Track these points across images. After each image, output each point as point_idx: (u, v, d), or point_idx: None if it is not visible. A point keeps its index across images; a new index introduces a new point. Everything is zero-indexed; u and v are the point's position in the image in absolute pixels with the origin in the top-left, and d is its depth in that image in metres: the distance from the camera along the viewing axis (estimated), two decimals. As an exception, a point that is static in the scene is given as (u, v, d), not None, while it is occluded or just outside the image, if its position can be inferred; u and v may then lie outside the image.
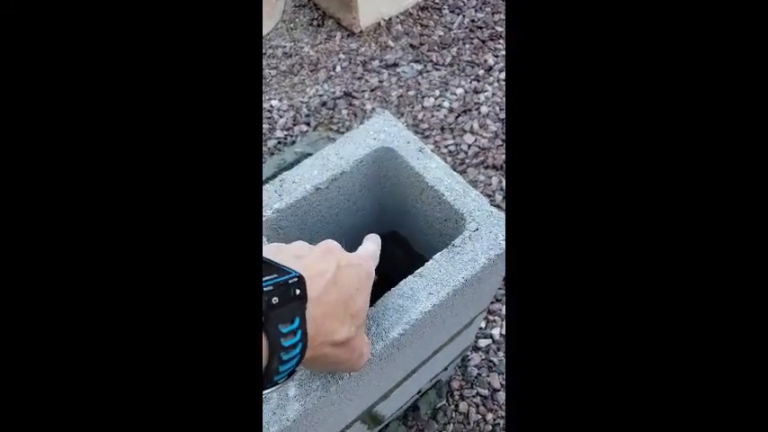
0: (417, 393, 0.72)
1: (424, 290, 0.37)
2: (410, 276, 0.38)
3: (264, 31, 1.38)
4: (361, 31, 1.32)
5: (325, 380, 0.34)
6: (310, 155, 0.71)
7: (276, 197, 0.42)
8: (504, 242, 0.39)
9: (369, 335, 0.35)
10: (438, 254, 0.39)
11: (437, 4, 1.37)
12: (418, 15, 1.35)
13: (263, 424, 0.32)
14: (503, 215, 0.41)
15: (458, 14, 1.34)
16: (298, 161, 0.88)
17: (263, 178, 0.94)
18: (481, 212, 0.41)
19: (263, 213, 0.41)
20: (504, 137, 1.08)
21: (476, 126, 1.10)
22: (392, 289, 0.37)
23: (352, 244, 0.57)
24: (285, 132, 1.14)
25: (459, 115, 1.13)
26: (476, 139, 1.08)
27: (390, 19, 1.35)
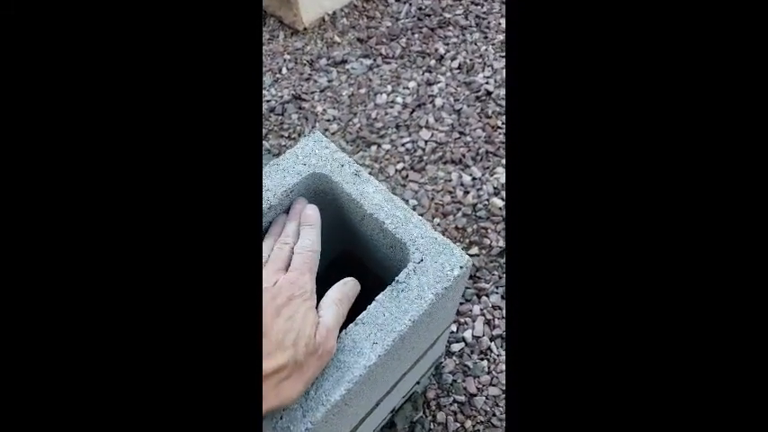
0: (391, 413, 0.69)
1: (367, 340, 0.33)
2: (351, 325, 0.34)
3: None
4: (305, 29, 1.25)
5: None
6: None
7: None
8: (450, 272, 0.36)
9: (309, 393, 0.31)
10: (381, 294, 0.35)
11: (382, -7, 1.31)
12: (363, 7, 1.30)
13: None
14: (448, 241, 0.37)
15: (404, 3, 1.29)
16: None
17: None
18: (425, 240, 0.37)
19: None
20: (460, 129, 1.05)
21: (431, 120, 1.06)
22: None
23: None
24: (233, 144, 1.08)
25: (413, 110, 1.09)
26: (432, 134, 1.04)
27: (335, 13, 1.29)
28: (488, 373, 0.81)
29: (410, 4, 1.28)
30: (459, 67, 1.15)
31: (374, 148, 1.04)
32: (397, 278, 0.35)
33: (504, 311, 0.86)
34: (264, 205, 0.39)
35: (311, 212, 0.41)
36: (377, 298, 0.35)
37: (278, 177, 0.41)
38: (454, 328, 0.85)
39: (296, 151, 0.43)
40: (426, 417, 0.77)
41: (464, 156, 1.01)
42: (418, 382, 0.72)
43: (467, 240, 0.91)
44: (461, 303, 0.88)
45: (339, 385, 0.31)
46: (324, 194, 0.44)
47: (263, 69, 1.20)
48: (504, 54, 1.21)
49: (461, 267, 0.36)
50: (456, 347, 0.83)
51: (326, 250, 0.57)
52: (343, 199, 0.43)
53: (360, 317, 0.34)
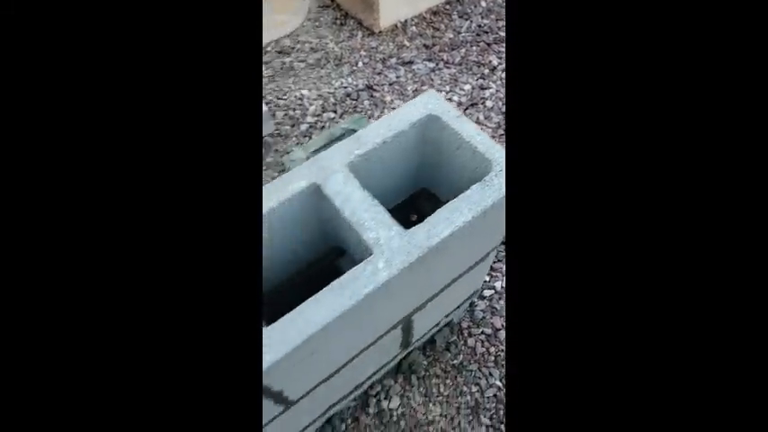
0: (436, 326, 0.89)
1: (465, 207, 0.53)
2: (454, 200, 0.54)
3: (292, 28, 1.54)
4: (380, 32, 1.49)
5: (403, 257, 0.50)
6: (354, 130, 0.88)
7: (356, 147, 0.59)
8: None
9: (429, 230, 0.52)
10: (474, 185, 0.56)
11: (447, 9, 1.54)
12: (431, 19, 1.52)
13: (363, 286, 0.48)
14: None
15: (466, 20, 1.52)
16: (343, 135, 1.04)
17: (318, 147, 1.10)
18: (503, 159, 0.58)
19: (349, 158, 0.58)
20: (505, 127, 1.26)
21: (481, 118, 1.28)
22: (443, 206, 0.54)
23: (397, 191, 0.73)
24: (315, 118, 1.30)
25: (467, 108, 1.30)
26: (482, 129, 1.25)
27: (406, 21, 1.52)
28: (511, 316, 1.00)
29: (471, 21, 1.51)
30: (508, 78, 1.37)
31: (431, 134, 1.26)
32: (485, 178, 0.56)
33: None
34: (399, 129, 0.61)
35: None
36: (471, 187, 0.55)
37: (407, 112, 0.62)
38: (487, 278, 1.04)
39: (416, 101, 0.64)
40: (460, 340, 0.96)
41: (506, 148, 1.22)
42: (458, 307, 0.91)
43: (503, 214, 1.12)
44: (494, 262, 1.07)
45: (448, 228, 0.52)
46: (431, 131, 0.65)
47: (343, 61, 1.43)
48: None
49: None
50: (487, 293, 1.02)
51: (409, 186, 0.78)
52: (444, 135, 0.64)
53: (461, 195, 0.54)
